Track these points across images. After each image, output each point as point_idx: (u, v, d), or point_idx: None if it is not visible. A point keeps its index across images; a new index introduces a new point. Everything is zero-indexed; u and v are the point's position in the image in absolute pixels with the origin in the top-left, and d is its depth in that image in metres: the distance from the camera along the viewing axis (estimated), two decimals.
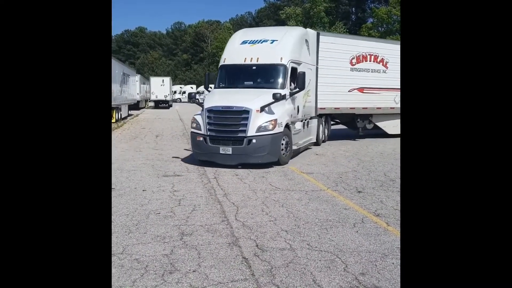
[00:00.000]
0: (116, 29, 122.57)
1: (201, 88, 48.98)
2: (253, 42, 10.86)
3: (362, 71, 14.45)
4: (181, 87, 69.46)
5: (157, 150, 12.34)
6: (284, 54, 10.32)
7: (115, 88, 21.92)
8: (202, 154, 9.61)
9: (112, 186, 6.95)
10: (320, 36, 13.16)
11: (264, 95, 9.40)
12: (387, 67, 15.08)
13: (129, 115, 28.42)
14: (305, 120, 11.74)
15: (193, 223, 5.30)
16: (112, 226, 4.91)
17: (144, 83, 42.36)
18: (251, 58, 10.39)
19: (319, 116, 13.22)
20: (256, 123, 9.05)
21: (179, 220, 5.40)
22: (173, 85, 53.77)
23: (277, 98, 9.24)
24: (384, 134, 15.76)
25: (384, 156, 11.50)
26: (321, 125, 13.55)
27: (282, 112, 9.55)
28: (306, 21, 47.19)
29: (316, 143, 13.23)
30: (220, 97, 10.05)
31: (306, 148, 12.16)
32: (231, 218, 5.51)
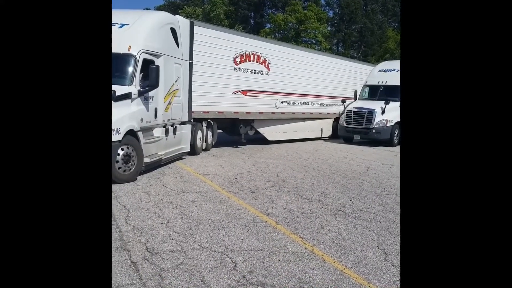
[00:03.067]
0: None
1: None
2: None
3: (246, 72, 13.44)
4: None
5: None
6: (134, 42, 8.48)
7: None
8: None
9: None
10: (196, 27, 11.36)
11: None
12: (269, 69, 14.40)
13: None
14: (172, 125, 9.98)
15: None
16: None
17: None
18: None
19: (198, 121, 11.73)
20: None
21: None
22: None
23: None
24: (264, 140, 15.25)
25: (277, 158, 11.98)
26: (199, 131, 11.77)
27: (123, 115, 7.63)
28: (207, 23, 47.18)
29: (193, 153, 11.41)
30: None
31: (178, 159, 10.60)
32: (121, 221, 5.32)
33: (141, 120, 8.32)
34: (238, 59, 13.19)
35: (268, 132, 15.23)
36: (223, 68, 12.49)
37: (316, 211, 6.28)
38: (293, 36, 46.23)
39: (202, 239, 4.78)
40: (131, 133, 7.83)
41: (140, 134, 8.18)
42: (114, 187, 7.22)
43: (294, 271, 4.03)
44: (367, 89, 18.03)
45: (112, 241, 4.59)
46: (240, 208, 6.27)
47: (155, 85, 8.57)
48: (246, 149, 13.63)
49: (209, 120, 12.62)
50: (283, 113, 15.42)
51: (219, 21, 46.49)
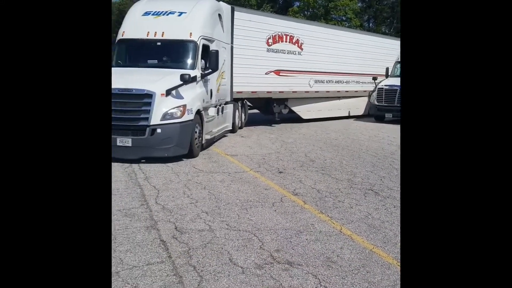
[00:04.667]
0: None
1: None
2: (157, 14, 9.52)
3: (279, 52, 13.76)
4: None
5: None
6: (194, 29, 9.15)
7: None
8: None
9: None
10: (235, 12, 12.08)
11: (170, 76, 8.18)
12: (302, 49, 14.57)
13: None
14: (220, 105, 10.72)
15: None
16: None
17: None
18: (155, 33, 9.08)
19: (235, 100, 12.29)
20: (161, 109, 7.73)
21: None
22: None
23: (186, 79, 8.04)
24: (299, 119, 15.42)
25: (306, 138, 11.89)
26: (237, 110, 12.53)
27: (193, 96, 8.40)
28: (234, 3, 46.64)
29: (232, 130, 12.16)
30: (117, 78, 7.81)
31: (222, 136, 11.13)
32: (151, 201, 5.43)
33: (203, 101, 9.02)
34: (270, 40, 13.48)
35: (302, 110, 15.43)
36: (255, 50, 12.83)
37: (345, 190, 6.21)
38: (322, 14, 45.18)
39: (230, 219, 4.83)
40: (197, 112, 8.55)
41: (203, 112, 8.95)
42: (145, 167, 7.37)
43: (322, 250, 4.01)
44: (399, 66, 17.50)
45: (142, 220, 4.70)
46: (268, 188, 6.28)
47: (215, 68, 9.21)
48: (275, 129, 13.59)
49: (244, 100, 13.20)
50: (317, 91, 15.49)
51: (246, 1, 45.92)
